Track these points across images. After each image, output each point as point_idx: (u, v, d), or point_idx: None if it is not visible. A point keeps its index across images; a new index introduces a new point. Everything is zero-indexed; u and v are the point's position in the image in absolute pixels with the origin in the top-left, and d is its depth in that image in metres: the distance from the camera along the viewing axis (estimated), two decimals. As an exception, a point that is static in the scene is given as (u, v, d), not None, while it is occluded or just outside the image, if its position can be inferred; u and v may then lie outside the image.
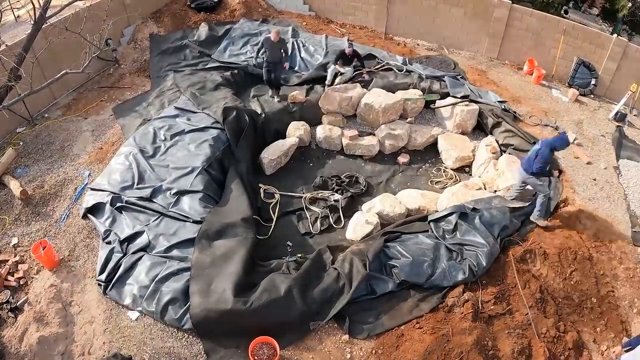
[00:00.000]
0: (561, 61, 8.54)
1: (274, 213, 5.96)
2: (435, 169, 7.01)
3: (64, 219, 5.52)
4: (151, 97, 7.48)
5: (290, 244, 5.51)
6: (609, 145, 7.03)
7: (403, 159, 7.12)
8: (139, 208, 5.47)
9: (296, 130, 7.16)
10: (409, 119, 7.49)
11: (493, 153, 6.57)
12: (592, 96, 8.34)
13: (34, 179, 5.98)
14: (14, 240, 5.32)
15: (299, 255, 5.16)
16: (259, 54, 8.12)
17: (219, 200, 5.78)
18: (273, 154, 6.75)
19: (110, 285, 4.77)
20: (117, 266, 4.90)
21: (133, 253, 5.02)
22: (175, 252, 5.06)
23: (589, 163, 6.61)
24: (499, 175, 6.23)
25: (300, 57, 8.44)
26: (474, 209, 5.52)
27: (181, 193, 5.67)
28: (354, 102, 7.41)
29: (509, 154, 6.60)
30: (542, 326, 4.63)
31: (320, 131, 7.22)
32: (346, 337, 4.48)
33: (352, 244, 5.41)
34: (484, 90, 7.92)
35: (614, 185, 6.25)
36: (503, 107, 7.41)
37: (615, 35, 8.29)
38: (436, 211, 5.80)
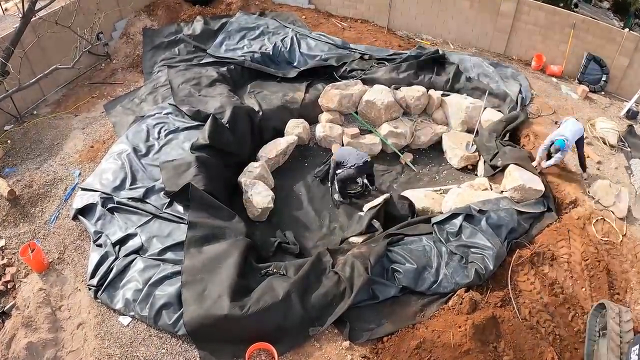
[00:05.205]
0: (571, 57, 8.29)
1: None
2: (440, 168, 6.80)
3: (53, 220, 5.39)
4: (144, 93, 7.33)
5: (287, 234, 5.39)
6: (620, 144, 6.81)
7: (406, 158, 6.90)
8: (131, 209, 5.35)
9: (295, 128, 6.96)
10: (412, 117, 7.26)
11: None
12: (602, 93, 8.15)
13: (22, 179, 5.85)
14: (1, 243, 5.23)
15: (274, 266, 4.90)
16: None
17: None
18: (270, 152, 6.54)
19: (102, 289, 4.66)
20: (108, 269, 4.78)
21: (125, 256, 4.91)
22: (169, 255, 4.94)
23: (599, 162, 6.41)
24: (506, 176, 6.02)
25: (300, 52, 8.23)
26: (480, 211, 5.32)
27: (175, 193, 5.49)
28: (355, 99, 7.19)
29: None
30: (549, 328, 4.47)
31: (320, 129, 7.01)
32: (347, 343, 4.37)
33: (353, 246, 5.23)
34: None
35: (626, 186, 6.07)
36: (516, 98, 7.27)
37: (627, 30, 8.03)
38: (440, 212, 5.61)
